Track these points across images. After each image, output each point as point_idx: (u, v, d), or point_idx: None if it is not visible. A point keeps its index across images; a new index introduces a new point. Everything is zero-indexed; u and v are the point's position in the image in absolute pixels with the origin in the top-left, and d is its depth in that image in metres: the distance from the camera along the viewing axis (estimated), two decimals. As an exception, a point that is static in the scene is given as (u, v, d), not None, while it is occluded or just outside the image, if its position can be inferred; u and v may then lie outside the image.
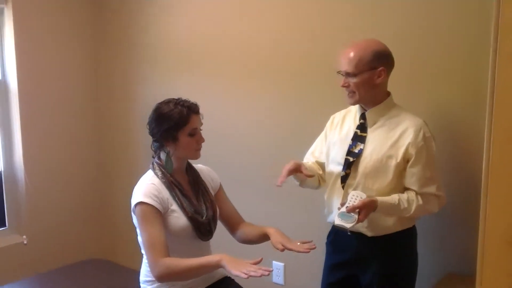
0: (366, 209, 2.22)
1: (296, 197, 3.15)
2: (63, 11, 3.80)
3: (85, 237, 4.05)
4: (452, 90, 2.64)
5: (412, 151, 2.27)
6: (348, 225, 2.22)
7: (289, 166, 2.38)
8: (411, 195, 2.29)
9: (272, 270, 2.05)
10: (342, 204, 2.29)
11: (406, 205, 2.27)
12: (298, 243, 2.23)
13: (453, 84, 2.63)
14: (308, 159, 2.64)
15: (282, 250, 2.22)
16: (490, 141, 1.12)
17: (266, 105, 3.29)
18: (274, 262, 3.30)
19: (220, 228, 2.50)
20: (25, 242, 3.70)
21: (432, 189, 2.29)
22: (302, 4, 3.07)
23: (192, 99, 2.35)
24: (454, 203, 2.58)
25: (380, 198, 2.27)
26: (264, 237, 2.36)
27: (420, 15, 2.68)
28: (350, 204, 2.25)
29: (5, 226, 3.74)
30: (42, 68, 3.72)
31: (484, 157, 1.16)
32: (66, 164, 3.92)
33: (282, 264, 3.32)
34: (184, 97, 2.34)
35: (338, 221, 2.25)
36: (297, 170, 2.40)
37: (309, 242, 2.24)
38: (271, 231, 2.32)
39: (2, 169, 3.70)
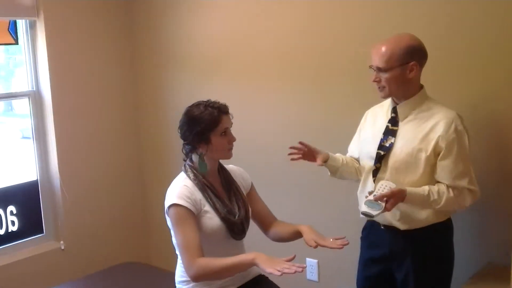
0: (394, 198, 2.21)
1: (329, 193, 3.16)
2: (94, 21, 3.87)
3: (121, 241, 4.11)
4: (488, 82, 2.61)
5: (442, 144, 2.25)
6: (374, 212, 2.22)
7: (309, 146, 2.50)
8: (442, 187, 2.27)
9: (306, 267, 2.07)
10: (370, 193, 2.29)
11: (436, 197, 2.25)
12: (331, 240, 2.24)
13: (490, 76, 2.60)
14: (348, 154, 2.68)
15: (315, 247, 2.24)
16: None
17: (293, 104, 3.31)
18: (307, 259, 3.31)
19: (253, 227, 2.53)
20: (62, 247, 3.78)
21: (463, 182, 2.27)
22: (324, 3, 3.09)
23: (223, 99, 2.39)
24: (494, 194, 2.57)
25: (409, 189, 2.25)
26: (297, 235, 2.38)
27: (450, 4, 2.66)
28: (379, 193, 2.25)
29: (42, 233, 3.83)
30: (75, 78, 3.79)
31: None
32: (101, 170, 3.99)
33: (316, 261, 3.33)
34: (215, 97, 2.38)
35: (364, 208, 2.26)
36: (313, 157, 2.51)
37: (342, 238, 2.26)
38: (303, 229, 2.33)
39: (38, 178, 3.79)
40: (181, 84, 3.86)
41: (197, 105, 2.35)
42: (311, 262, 3.34)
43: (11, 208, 3.67)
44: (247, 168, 2.62)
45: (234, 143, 2.38)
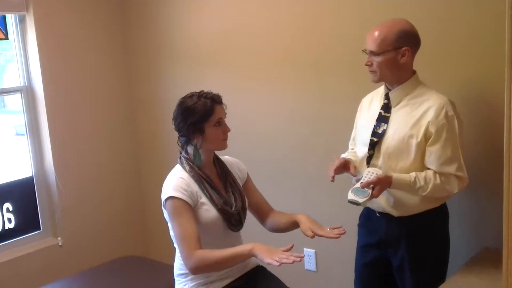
0: (380, 184, 2.25)
1: (326, 182, 3.14)
2: (85, 14, 3.84)
3: (119, 235, 4.10)
4: (478, 67, 2.61)
5: (432, 129, 2.26)
6: (360, 200, 2.25)
7: (336, 163, 2.42)
8: (429, 173, 2.28)
9: (304, 256, 2.06)
10: (357, 180, 2.32)
11: (422, 184, 2.26)
12: (328, 229, 2.24)
13: (479, 61, 2.59)
14: (350, 147, 2.68)
15: (312, 237, 2.24)
16: (510, 117, 1.11)
17: (290, 97, 3.30)
18: (305, 249, 3.31)
19: (250, 218, 2.53)
20: (60, 243, 3.77)
21: (451, 168, 2.27)
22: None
23: (218, 90, 2.38)
24: (488, 179, 2.57)
25: (395, 175, 2.28)
26: (294, 225, 2.38)
27: None
28: (365, 180, 2.28)
29: (39, 229, 3.81)
30: (68, 73, 3.77)
31: (505, 132, 1.16)
32: (97, 165, 3.98)
33: (313, 251, 3.33)
34: (210, 88, 2.37)
35: (351, 196, 2.28)
36: (345, 167, 2.44)
37: (339, 227, 2.26)
38: (301, 218, 2.33)
39: (34, 174, 3.77)
40: (175, 77, 3.84)
41: (190, 96, 2.34)
42: (308, 252, 3.34)
43: (7, 205, 3.66)
44: (242, 159, 2.61)
45: (229, 134, 2.37)
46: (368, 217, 2.55)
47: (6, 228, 3.64)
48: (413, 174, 2.28)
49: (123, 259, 3.46)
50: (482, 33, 2.57)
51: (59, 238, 3.78)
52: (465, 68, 2.64)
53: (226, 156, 2.54)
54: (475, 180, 2.47)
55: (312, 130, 3.21)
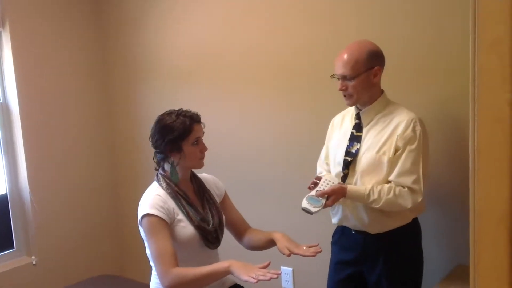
0: (335, 195, 2.31)
1: (296, 199, 3.17)
2: (62, 31, 3.83)
3: (95, 254, 4.06)
4: (442, 85, 2.67)
5: (400, 143, 2.31)
6: (314, 209, 2.30)
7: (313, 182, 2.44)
8: (385, 187, 2.32)
9: (281, 273, 2.07)
10: (313, 188, 2.36)
11: (376, 197, 2.30)
12: (304, 247, 2.25)
13: (443, 79, 2.66)
14: (322, 166, 2.68)
15: (289, 255, 2.25)
16: (475, 133, 1.15)
17: (270, 111, 3.32)
18: (282, 267, 3.31)
19: (228, 236, 2.52)
20: (34, 262, 3.71)
21: (407, 180, 2.30)
22: (303, 13, 3.10)
23: (195, 108, 2.38)
24: (460, 196, 2.60)
25: (350, 186, 2.34)
26: (271, 243, 2.38)
27: (407, 13, 2.73)
28: (321, 189, 2.33)
29: (13, 248, 3.75)
30: (43, 89, 3.74)
31: (470, 145, 1.19)
32: (72, 182, 3.94)
33: (291, 269, 3.33)
34: (187, 106, 2.37)
35: (304, 204, 2.33)
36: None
37: (315, 246, 2.27)
38: (277, 236, 2.33)
39: (8, 191, 3.72)
40: (152, 94, 3.83)
41: (169, 113, 2.34)
42: (286, 270, 3.34)
43: (-20, 223, 3.60)
44: (220, 176, 2.61)
45: (210, 151, 2.37)
46: (343, 234, 2.57)
47: (-21, 246, 3.58)
48: (369, 186, 2.33)
49: (98, 278, 3.43)
50: (445, 52, 2.63)
51: (33, 257, 3.72)
52: (429, 87, 2.70)
53: (203, 174, 2.54)
54: (446, 197, 2.51)
55: (291, 147, 3.23)
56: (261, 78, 3.31)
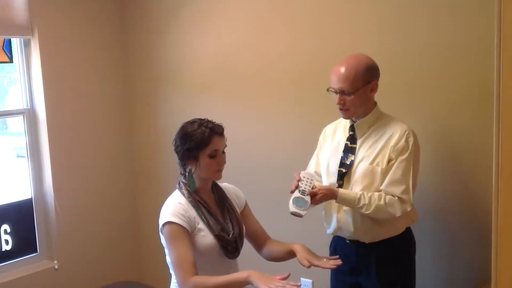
0: (323, 193, 2.34)
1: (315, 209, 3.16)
2: (88, 39, 3.90)
3: (115, 260, 4.09)
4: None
5: (393, 154, 2.34)
6: (303, 212, 2.33)
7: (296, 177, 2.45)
8: (375, 194, 2.34)
9: (300, 285, 2.06)
10: (296, 187, 2.37)
11: (366, 202, 2.33)
12: (325, 259, 2.25)
13: (456, 90, 2.67)
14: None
15: (309, 267, 2.23)
16: (499, 148, 1.13)
17: (288, 122, 3.33)
18: (302, 279, 3.30)
19: (247, 246, 2.52)
20: (56, 267, 3.76)
21: (396, 190, 2.33)
22: (319, 25, 3.13)
23: (215, 117, 2.38)
24: (470, 212, 2.60)
25: (342, 190, 2.37)
26: (291, 254, 2.36)
27: (421, 23, 2.74)
28: (305, 188, 2.35)
29: (36, 252, 3.81)
30: (70, 96, 3.81)
31: (493, 161, 1.17)
32: (95, 189, 3.99)
33: (311, 281, 3.31)
34: (207, 115, 2.38)
35: (293, 209, 2.35)
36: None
37: (335, 258, 2.26)
38: (297, 248, 2.32)
39: (32, 196, 3.78)
40: (174, 103, 3.87)
41: (193, 122, 2.34)
42: (305, 282, 3.32)
43: (5, 227, 3.67)
44: (241, 187, 2.61)
45: (229, 159, 2.37)
46: (338, 244, 2.60)
47: (3, 250, 3.64)
48: (360, 192, 2.35)
49: (118, 284, 3.46)
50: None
51: (55, 261, 3.77)
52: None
53: (225, 183, 2.54)
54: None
55: (309, 158, 3.22)
56: (279, 89, 3.34)
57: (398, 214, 2.34)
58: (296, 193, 2.36)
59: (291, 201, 2.36)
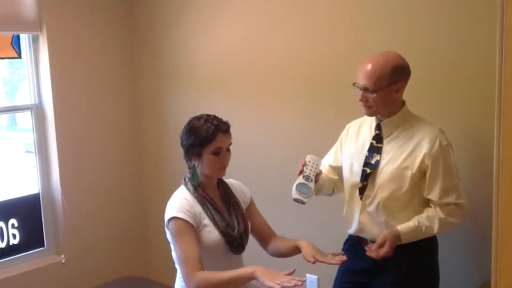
0: (389, 241, 2.26)
1: (329, 207, 3.16)
2: (96, 36, 3.91)
3: (122, 255, 4.12)
4: (464, 97, 2.66)
5: (429, 161, 2.27)
6: (306, 199, 2.31)
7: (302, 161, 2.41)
8: (429, 212, 2.29)
9: (305, 280, 2.06)
10: (301, 172, 2.33)
11: (427, 224, 2.27)
12: (330, 256, 2.25)
13: (465, 91, 2.66)
14: (324, 167, 2.64)
15: (314, 263, 2.23)
16: (500, 146, 1.13)
17: (294, 122, 3.33)
18: (308, 275, 3.30)
19: (253, 242, 2.53)
20: (63, 261, 3.78)
21: (451, 198, 2.28)
22: (326, 24, 3.13)
23: (221, 114, 2.39)
24: (485, 211, 2.57)
25: (400, 228, 2.28)
26: (296, 250, 2.37)
27: (428, 23, 2.74)
28: (309, 173, 2.32)
29: (43, 246, 3.83)
30: (77, 92, 3.83)
31: (494, 159, 1.17)
32: (102, 184, 4.01)
33: (316, 277, 3.32)
34: (213, 112, 2.38)
35: (295, 195, 2.31)
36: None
37: (340, 254, 2.27)
38: (302, 244, 2.33)
39: (40, 191, 3.80)
40: (182, 99, 3.88)
41: (199, 117, 2.35)
42: (311, 278, 3.33)
43: (13, 221, 3.69)
44: (247, 183, 2.62)
45: (234, 156, 2.37)
46: (358, 243, 2.52)
47: (11, 244, 3.66)
48: (414, 218, 2.29)
49: (124, 279, 3.48)
50: (469, 64, 2.62)
51: (62, 256, 3.79)
52: (452, 99, 2.69)
53: (230, 179, 2.54)
54: (471, 212, 2.50)
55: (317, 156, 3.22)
56: (286, 87, 3.34)
57: (460, 220, 2.30)
58: (300, 179, 2.32)
59: (294, 187, 2.33)
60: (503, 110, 1.10)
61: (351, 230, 2.53)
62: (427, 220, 2.27)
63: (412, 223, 2.28)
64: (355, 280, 2.53)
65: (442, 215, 2.27)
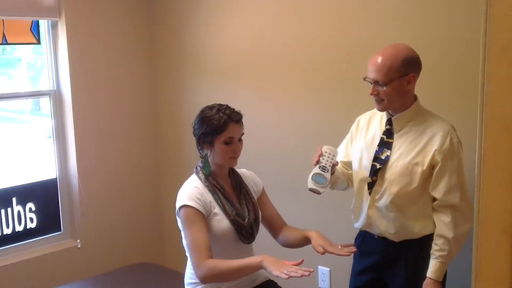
0: None
1: (341, 198, 3.14)
2: (114, 22, 3.92)
3: (137, 241, 4.15)
4: (446, 90, 2.65)
5: (439, 157, 2.23)
6: (321, 189, 2.30)
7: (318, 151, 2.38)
8: (440, 233, 2.26)
9: (313, 271, 2.05)
10: (317, 162, 2.31)
11: (448, 247, 2.24)
12: (339, 247, 2.24)
13: (448, 84, 2.63)
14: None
15: (323, 253, 2.23)
16: (482, 141, 1.12)
17: (309, 112, 3.31)
18: (319, 267, 3.30)
19: (264, 232, 2.53)
20: (78, 246, 3.83)
21: (455, 197, 2.24)
22: (341, 16, 3.10)
23: (235, 104, 2.38)
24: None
25: (433, 272, 2.26)
26: (306, 241, 2.37)
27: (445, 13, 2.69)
28: (326, 164, 2.31)
29: (60, 231, 3.88)
30: (95, 78, 3.85)
31: (476, 153, 1.16)
32: (118, 171, 4.04)
33: (328, 269, 3.31)
34: (228, 102, 2.38)
35: (311, 185, 2.30)
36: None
37: (350, 245, 2.26)
38: (312, 234, 2.33)
39: (57, 177, 3.85)
40: (198, 87, 3.88)
41: (212, 107, 2.35)
42: (323, 270, 3.32)
43: (30, 205, 3.73)
44: (259, 173, 2.62)
45: (247, 146, 2.37)
46: (366, 239, 2.50)
47: (28, 227, 3.71)
48: (432, 252, 2.27)
49: (138, 266, 3.50)
50: (451, 54, 2.61)
51: (78, 241, 3.84)
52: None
53: (242, 169, 2.55)
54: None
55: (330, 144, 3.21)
56: (299, 78, 3.32)
57: (471, 223, 2.21)
58: (316, 169, 2.30)
59: (310, 176, 2.31)
60: (485, 106, 1.09)
61: (358, 224, 2.50)
62: (446, 244, 2.24)
63: (437, 262, 2.25)
64: (368, 278, 2.50)
65: (452, 234, 2.23)
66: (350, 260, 2.53)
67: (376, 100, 2.31)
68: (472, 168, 2.41)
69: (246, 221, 2.34)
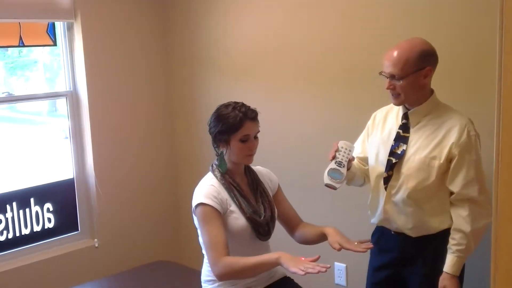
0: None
1: (356, 195, 3.14)
2: (130, 24, 3.94)
3: (154, 239, 4.17)
4: (458, 88, 2.62)
5: (456, 151, 2.20)
6: (337, 185, 2.30)
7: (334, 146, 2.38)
8: (457, 228, 2.24)
9: (329, 267, 2.05)
10: (333, 158, 2.31)
11: (465, 241, 2.22)
12: (356, 243, 2.24)
13: (459, 82, 2.61)
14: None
15: (339, 250, 2.24)
16: (500, 135, 1.11)
17: (324, 110, 3.31)
18: (336, 263, 3.30)
19: (281, 229, 2.54)
20: (96, 245, 3.86)
21: (473, 191, 2.21)
22: (353, 14, 3.10)
23: (251, 102, 2.39)
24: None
25: (450, 268, 2.24)
26: (322, 237, 2.37)
27: (452, 11, 2.69)
28: (342, 159, 2.31)
29: (77, 230, 3.91)
30: (111, 79, 3.87)
31: (494, 147, 1.15)
32: (135, 170, 4.06)
33: (344, 265, 3.31)
34: (243, 100, 2.39)
35: (327, 180, 2.30)
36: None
37: (366, 241, 2.26)
38: (328, 231, 2.33)
39: (74, 176, 3.88)
40: (214, 85, 3.90)
41: (227, 105, 2.36)
42: (339, 267, 3.32)
43: (48, 205, 3.76)
44: (275, 170, 2.63)
45: (262, 143, 2.38)
46: (383, 235, 2.49)
47: (46, 227, 3.75)
48: (449, 246, 2.26)
49: (155, 264, 3.53)
50: (464, 51, 2.60)
51: (95, 240, 3.87)
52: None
53: (258, 166, 2.56)
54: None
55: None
56: (315, 76, 3.32)
57: (490, 217, 2.14)
58: (332, 164, 2.30)
59: (326, 172, 2.31)
60: (503, 100, 1.08)
61: (375, 220, 2.49)
62: (464, 239, 2.22)
63: (454, 256, 2.24)
64: (386, 274, 2.49)
65: (470, 228, 2.21)
66: (366, 256, 2.52)
67: (392, 94, 2.30)
68: (490, 161, 2.44)
69: (262, 218, 2.35)
